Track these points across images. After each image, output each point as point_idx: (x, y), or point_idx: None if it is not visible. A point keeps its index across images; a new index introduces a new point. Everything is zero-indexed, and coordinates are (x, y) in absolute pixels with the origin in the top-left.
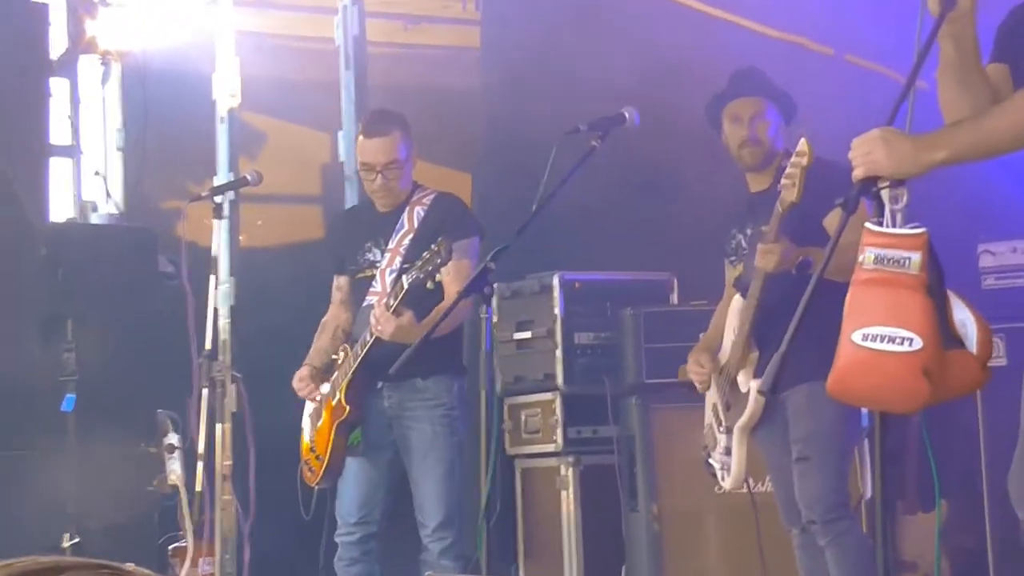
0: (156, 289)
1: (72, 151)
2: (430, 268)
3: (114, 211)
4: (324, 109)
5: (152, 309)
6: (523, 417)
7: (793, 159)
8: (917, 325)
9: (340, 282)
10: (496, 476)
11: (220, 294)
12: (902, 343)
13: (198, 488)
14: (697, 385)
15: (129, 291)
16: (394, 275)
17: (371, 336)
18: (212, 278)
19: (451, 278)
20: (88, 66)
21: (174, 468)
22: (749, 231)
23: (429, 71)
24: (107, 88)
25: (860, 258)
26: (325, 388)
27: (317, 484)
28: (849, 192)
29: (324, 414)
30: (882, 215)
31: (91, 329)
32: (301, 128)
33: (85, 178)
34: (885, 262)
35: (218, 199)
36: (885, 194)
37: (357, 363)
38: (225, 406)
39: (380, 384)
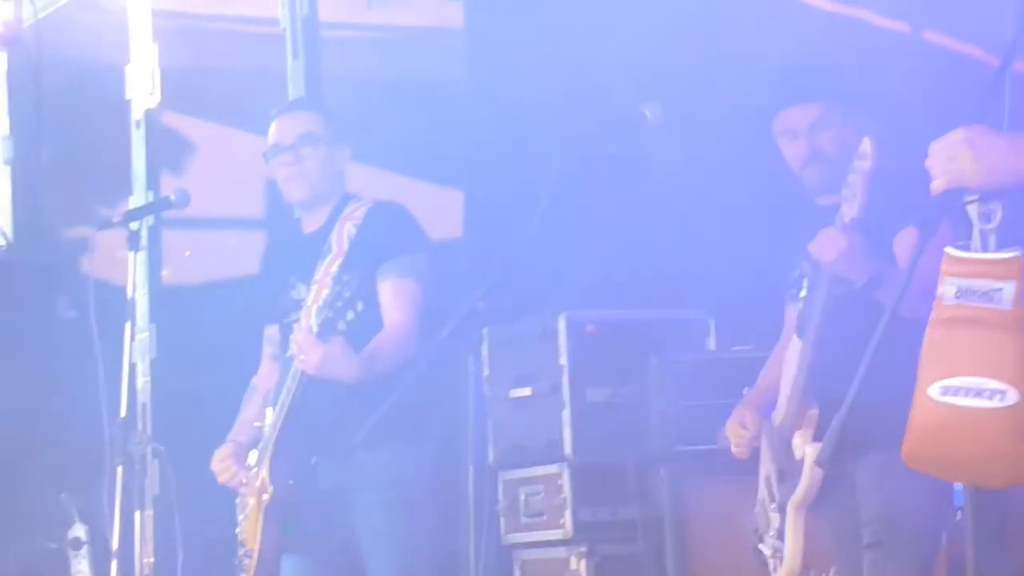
0: (56, 340)
1: None
2: (339, 304)
3: (1, 241)
4: (267, 109)
5: (51, 365)
6: (523, 496)
7: (854, 163)
8: (1011, 374)
9: (270, 333)
10: (489, 571)
11: (138, 345)
12: (991, 397)
13: None
14: (734, 451)
15: (22, 342)
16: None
17: (293, 379)
18: (128, 325)
19: (389, 300)
20: None
21: (81, 568)
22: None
23: (400, 59)
24: None
25: (939, 291)
26: (253, 460)
27: None
28: (927, 207)
29: (250, 497)
30: (970, 236)
31: None
32: (238, 133)
33: None
34: (970, 296)
35: (134, 225)
36: (973, 210)
37: (279, 425)
38: (145, 488)
39: (315, 460)
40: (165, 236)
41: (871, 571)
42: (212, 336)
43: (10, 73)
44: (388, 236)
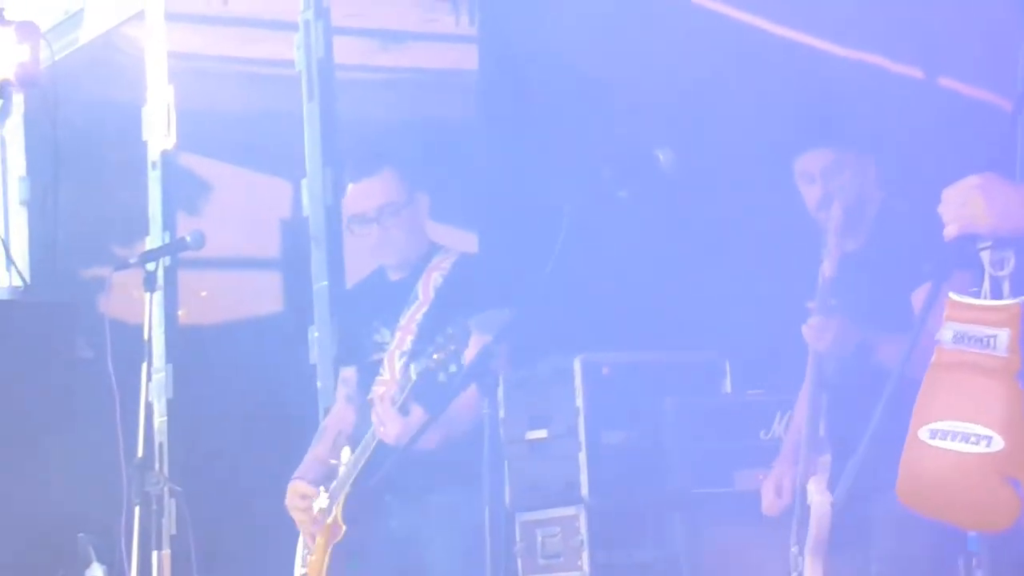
0: (73, 380)
1: None
2: (443, 355)
3: (19, 283)
4: (283, 151)
5: (68, 405)
6: (539, 537)
7: (827, 224)
8: (996, 420)
9: (346, 375)
10: None
11: (154, 385)
12: (977, 442)
13: None
14: (763, 508)
15: (39, 383)
16: (405, 359)
17: (374, 438)
18: (144, 365)
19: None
20: None
21: None
22: (833, 301)
23: (414, 101)
24: (7, 126)
25: (938, 335)
26: (323, 499)
27: None
28: (940, 255)
29: (318, 534)
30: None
31: None
32: (254, 175)
33: None
34: (966, 341)
35: (150, 266)
36: (986, 257)
37: (358, 470)
38: (163, 528)
39: (388, 498)
40: (181, 277)
41: None
42: (228, 376)
43: (27, 114)
44: (472, 291)
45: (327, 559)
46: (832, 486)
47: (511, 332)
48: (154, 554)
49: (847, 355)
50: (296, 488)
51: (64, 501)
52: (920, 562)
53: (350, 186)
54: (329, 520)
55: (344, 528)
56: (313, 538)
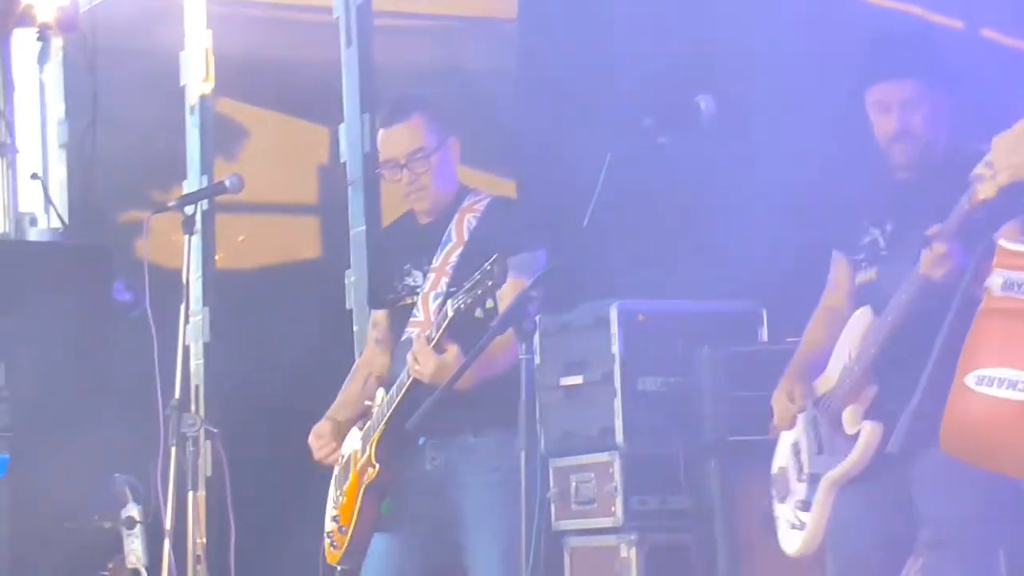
0: (111, 323)
1: (3, 149)
2: (479, 291)
3: (58, 225)
4: (320, 97)
5: (106, 348)
6: (573, 483)
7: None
8: None
9: (376, 318)
10: (540, 557)
11: (192, 328)
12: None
13: (165, 572)
14: (776, 422)
15: (77, 325)
16: (440, 300)
17: (408, 377)
18: (182, 308)
19: (505, 299)
20: (22, 42)
21: (134, 547)
22: (889, 227)
23: (453, 48)
24: (46, 70)
25: (988, 282)
26: (355, 441)
27: (339, 564)
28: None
29: (351, 474)
30: None
31: (29, 373)
32: (292, 120)
33: (21, 183)
34: (1014, 288)
35: (189, 210)
36: None
37: (391, 410)
38: (199, 469)
39: (422, 440)
40: (219, 221)
41: (931, 569)
42: (264, 320)
43: (66, 58)
44: (506, 232)
45: (359, 500)
46: (874, 418)
47: (548, 278)
48: (189, 495)
49: (955, 285)
50: (316, 428)
51: (101, 442)
52: (973, 525)
53: (380, 132)
54: (362, 460)
55: (377, 468)
56: (346, 475)
